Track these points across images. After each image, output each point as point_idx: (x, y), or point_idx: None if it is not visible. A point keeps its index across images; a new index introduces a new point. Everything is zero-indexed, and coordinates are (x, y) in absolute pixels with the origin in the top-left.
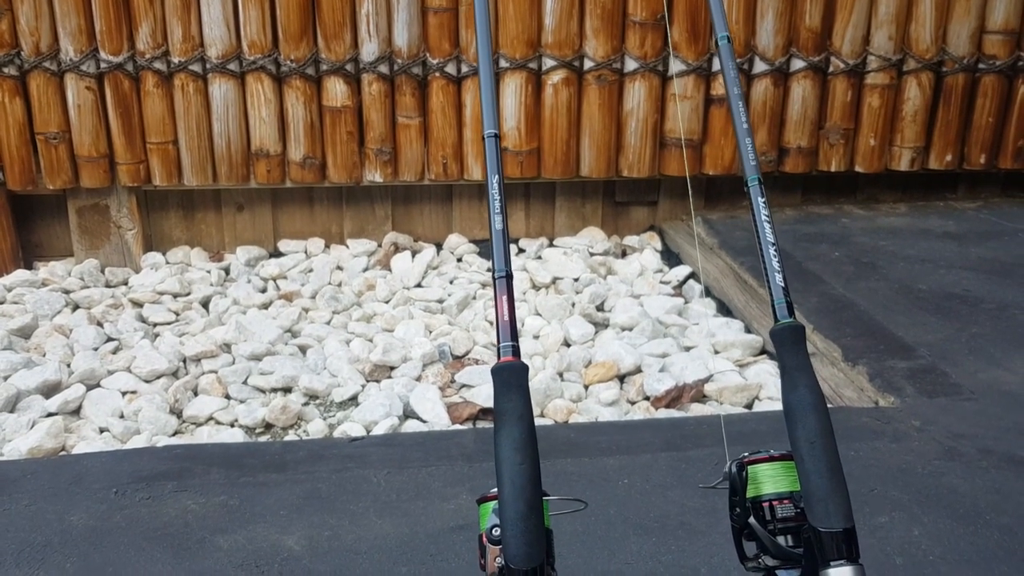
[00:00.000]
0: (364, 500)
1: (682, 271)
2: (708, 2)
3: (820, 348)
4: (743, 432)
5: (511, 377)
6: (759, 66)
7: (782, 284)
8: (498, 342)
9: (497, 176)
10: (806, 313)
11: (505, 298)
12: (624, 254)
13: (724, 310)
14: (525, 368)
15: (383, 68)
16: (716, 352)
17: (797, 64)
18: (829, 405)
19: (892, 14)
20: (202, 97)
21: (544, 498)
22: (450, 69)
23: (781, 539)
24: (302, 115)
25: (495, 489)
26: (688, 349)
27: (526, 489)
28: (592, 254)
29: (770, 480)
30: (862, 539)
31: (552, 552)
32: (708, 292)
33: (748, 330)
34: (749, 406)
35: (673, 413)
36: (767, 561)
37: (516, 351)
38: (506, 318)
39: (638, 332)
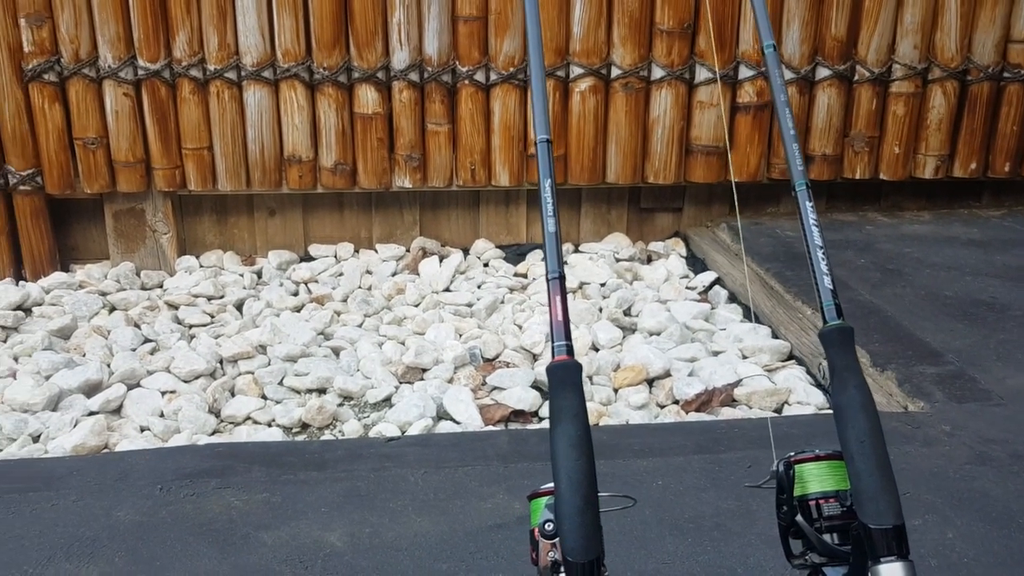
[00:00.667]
0: (403, 498)
1: (708, 277)
2: (754, 13)
3: None
4: (775, 436)
5: (566, 375)
6: (785, 74)
7: (831, 287)
8: (552, 341)
9: (549, 180)
10: None
11: (559, 298)
12: (649, 260)
13: (750, 316)
14: (579, 367)
15: (413, 76)
16: (744, 357)
17: (822, 72)
18: None
19: (917, 23)
20: (237, 104)
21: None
22: (479, 77)
23: (827, 537)
24: (334, 122)
25: (546, 485)
26: (716, 354)
27: (583, 484)
28: (618, 259)
29: (816, 479)
30: None
31: (603, 548)
32: (734, 298)
33: (775, 336)
34: (779, 410)
35: (703, 417)
36: (814, 558)
37: (570, 350)
38: (560, 318)
39: (666, 337)
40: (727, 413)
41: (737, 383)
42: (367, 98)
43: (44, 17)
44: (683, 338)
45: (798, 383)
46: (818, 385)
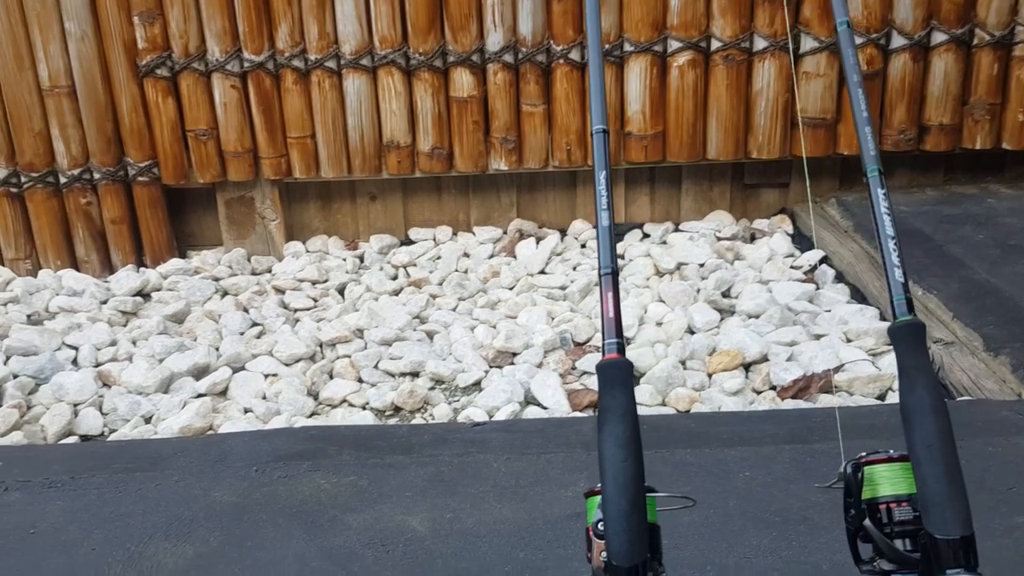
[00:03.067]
0: (484, 484)
1: (814, 255)
2: None
3: (960, 337)
4: (874, 425)
5: (616, 374)
6: (897, 41)
7: (902, 280)
8: (603, 339)
9: (604, 172)
10: (945, 300)
11: (611, 295)
12: (753, 238)
13: (858, 296)
14: (630, 365)
15: (508, 57)
16: (848, 340)
17: (938, 37)
18: (967, 398)
19: None
20: (337, 92)
21: (651, 495)
22: (574, 56)
23: (899, 542)
24: (430, 106)
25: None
26: (818, 337)
27: (629, 487)
28: (719, 238)
29: (888, 481)
30: (997, 540)
31: (659, 547)
32: (841, 278)
33: (883, 318)
34: (882, 397)
35: (800, 404)
36: (883, 565)
37: (621, 348)
38: (611, 315)
39: (765, 319)
40: (826, 400)
41: (838, 368)
42: (462, 81)
43: (155, 14)
44: (783, 321)
45: None
46: None
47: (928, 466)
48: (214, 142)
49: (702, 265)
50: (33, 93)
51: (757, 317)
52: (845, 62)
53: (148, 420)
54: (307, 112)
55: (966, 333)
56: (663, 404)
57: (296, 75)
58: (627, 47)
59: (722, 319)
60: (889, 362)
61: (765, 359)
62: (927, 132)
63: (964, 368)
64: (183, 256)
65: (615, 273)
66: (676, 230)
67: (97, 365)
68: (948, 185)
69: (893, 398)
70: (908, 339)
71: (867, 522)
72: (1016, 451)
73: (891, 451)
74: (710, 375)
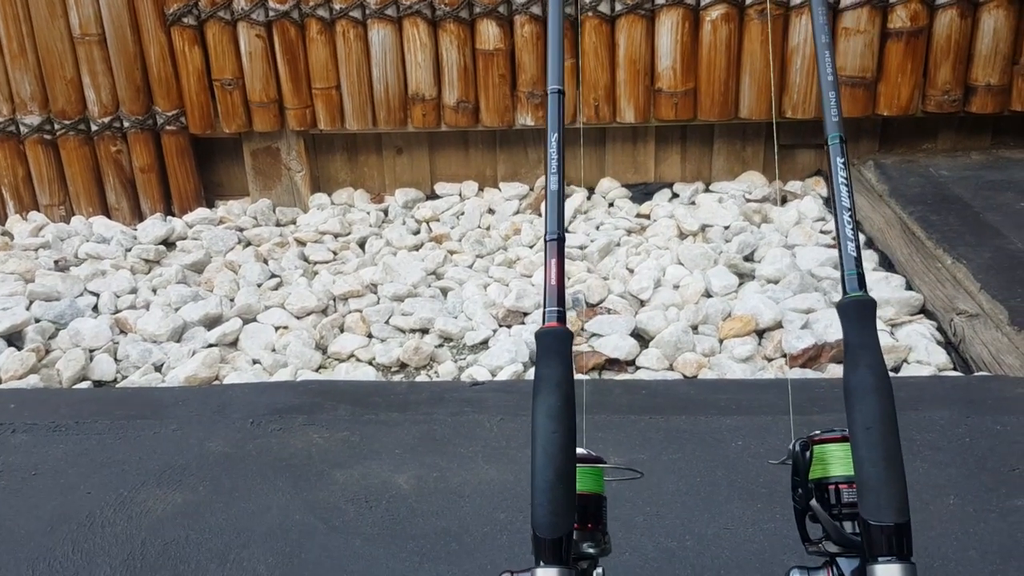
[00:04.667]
0: (475, 444)
1: None
2: None
3: (985, 309)
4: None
5: (553, 343)
6: None
7: (854, 254)
8: (544, 307)
9: (557, 134)
10: (975, 270)
11: (555, 262)
12: (784, 201)
13: (886, 264)
14: (569, 335)
15: (535, 9)
16: None
17: None
18: (984, 373)
19: None
20: (362, 43)
21: (597, 465)
22: (603, 8)
23: (848, 524)
24: (456, 59)
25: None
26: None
27: (556, 458)
28: (748, 200)
29: (840, 462)
30: (992, 523)
31: (603, 517)
32: (871, 244)
33: (909, 287)
34: (896, 369)
35: (806, 374)
36: (829, 547)
37: (562, 316)
38: (554, 282)
39: (784, 285)
40: (835, 370)
41: None
42: (488, 33)
43: None
44: (803, 287)
45: (920, 340)
46: (947, 343)
47: (866, 449)
48: (240, 92)
49: (727, 227)
50: (65, 40)
51: (776, 283)
52: (815, 21)
53: (158, 368)
54: (332, 63)
55: (992, 305)
56: (670, 368)
57: (321, 25)
58: (658, 0)
59: (741, 283)
60: (907, 333)
61: (779, 326)
62: (973, 93)
63: (985, 342)
64: (211, 206)
65: (561, 239)
66: (706, 190)
67: (116, 312)
68: (995, 149)
69: (908, 370)
70: (856, 315)
71: (814, 502)
72: None
73: (845, 431)
74: (721, 340)
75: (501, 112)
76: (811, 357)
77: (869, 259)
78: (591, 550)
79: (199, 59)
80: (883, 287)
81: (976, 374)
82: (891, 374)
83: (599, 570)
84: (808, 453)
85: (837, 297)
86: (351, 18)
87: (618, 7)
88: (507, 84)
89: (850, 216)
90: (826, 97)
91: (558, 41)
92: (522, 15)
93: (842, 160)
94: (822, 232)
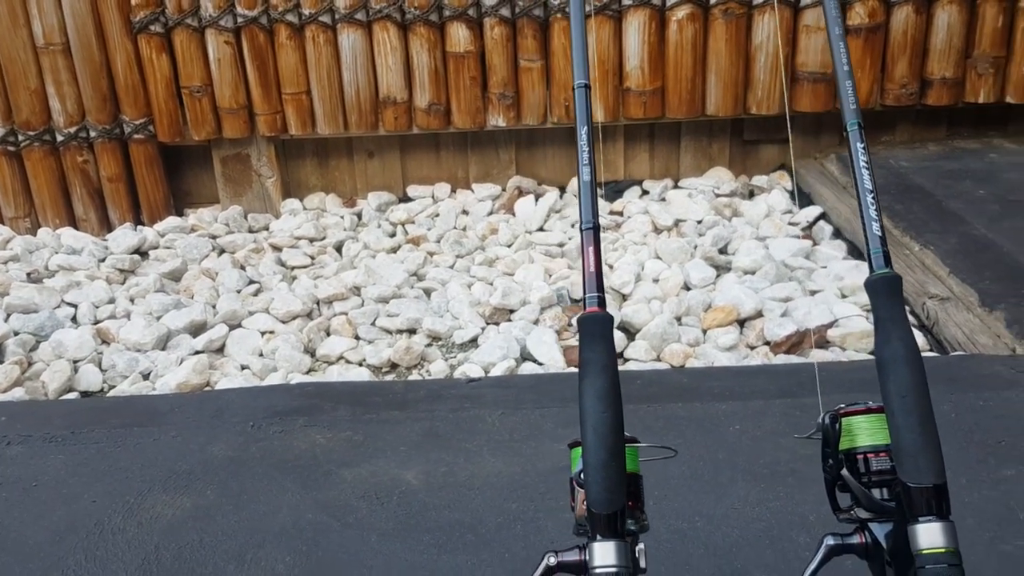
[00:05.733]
0: (479, 439)
1: (812, 212)
2: None
3: (956, 292)
4: (865, 379)
5: (596, 327)
6: None
7: (879, 233)
8: (584, 293)
9: (586, 127)
10: (943, 255)
11: (592, 249)
12: (752, 195)
13: (855, 253)
14: (610, 319)
15: (504, 11)
16: (843, 296)
17: None
18: (960, 353)
19: None
20: (332, 48)
21: (633, 445)
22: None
23: (876, 492)
24: (426, 62)
25: None
26: (813, 293)
27: (608, 437)
28: (718, 195)
29: (866, 432)
30: (984, 492)
31: (642, 496)
32: (839, 234)
33: None
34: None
35: (792, 359)
36: (860, 513)
37: (602, 302)
38: (592, 269)
39: (761, 276)
40: (818, 356)
41: (832, 324)
42: (459, 36)
43: None
44: (779, 276)
45: None
46: (921, 327)
47: (902, 416)
48: (209, 99)
49: (700, 222)
50: (28, 50)
51: (753, 273)
52: (827, 14)
53: (146, 376)
54: (302, 68)
55: (962, 289)
56: (658, 360)
57: (290, 30)
58: (625, 0)
59: (718, 275)
60: None
61: (760, 315)
62: (929, 86)
63: (959, 323)
64: (180, 214)
65: (597, 228)
66: (675, 187)
67: (96, 322)
68: (950, 140)
69: None
70: (884, 292)
71: (845, 472)
72: (1007, 405)
73: (869, 402)
74: (705, 331)
75: (472, 114)
76: (794, 343)
77: (838, 248)
78: (632, 527)
79: (167, 66)
80: (854, 274)
81: (953, 354)
82: (872, 357)
83: (640, 546)
84: (837, 425)
85: (812, 286)
86: (320, 23)
87: (587, 8)
88: (478, 86)
89: (873, 198)
90: (842, 86)
91: (581, 38)
92: (492, 17)
93: (862, 145)
94: (790, 224)
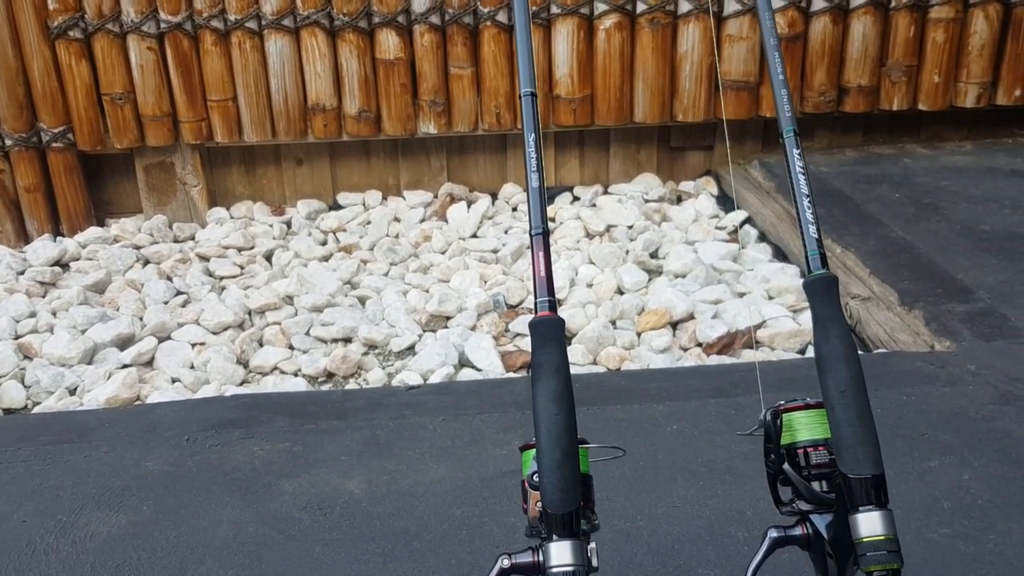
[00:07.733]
0: (420, 446)
1: (738, 216)
2: None
3: (876, 292)
4: (795, 378)
5: (548, 331)
6: (817, 3)
7: (816, 236)
8: (535, 297)
9: (534, 134)
10: (863, 257)
11: (542, 254)
12: (679, 200)
13: (780, 255)
14: (562, 322)
15: (434, 19)
16: (770, 298)
17: (857, 0)
18: (882, 350)
19: None
20: (259, 54)
21: (583, 446)
22: (501, 18)
23: (816, 484)
24: (356, 68)
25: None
26: (742, 295)
27: (562, 438)
28: (647, 201)
29: (805, 427)
30: (911, 483)
31: (592, 496)
32: (764, 237)
33: (804, 275)
34: (802, 351)
35: (724, 360)
36: (801, 506)
37: (553, 306)
38: (543, 274)
39: (691, 279)
40: (749, 355)
41: (760, 325)
42: (388, 43)
43: None
44: (709, 280)
45: None
46: None
47: (841, 411)
48: (131, 106)
49: (631, 227)
50: None
51: (684, 277)
52: (762, 25)
53: (73, 392)
54: (228, 74)
55: (882, 288)
56: (594, 363)
57: (215, 36)
58: (554, 9)
59: (650, 279)
60: (808, 317)
61: (691, 317)
62: (846, 94)
63: (880, 322)
64: (101, 224)
65: (546, 233)
66: (605, 193)
67: (16, 337)
68: (867, 146)
69: (812, 352)
70: (822, 291)
71: (786, 466)
72: (928, 400)
73: (808, 399)
74: (639, 334)
75: (403, 121)
76: (725, 344)
77: (764, 252)
78: (585, 527)
79: (87, 73)
80: (780, 276)
81: (876, 351)
82: (800, 356)
83: (592, 545)
84: (778, 421)
85: (741, 288)
86: (247, 29)
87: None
88: (408, 93)
89: (809, 202)
90: (778, 95)
91: (527, 46)
92: (421, 24)
93: (798, 151)
94: (718, 228)
